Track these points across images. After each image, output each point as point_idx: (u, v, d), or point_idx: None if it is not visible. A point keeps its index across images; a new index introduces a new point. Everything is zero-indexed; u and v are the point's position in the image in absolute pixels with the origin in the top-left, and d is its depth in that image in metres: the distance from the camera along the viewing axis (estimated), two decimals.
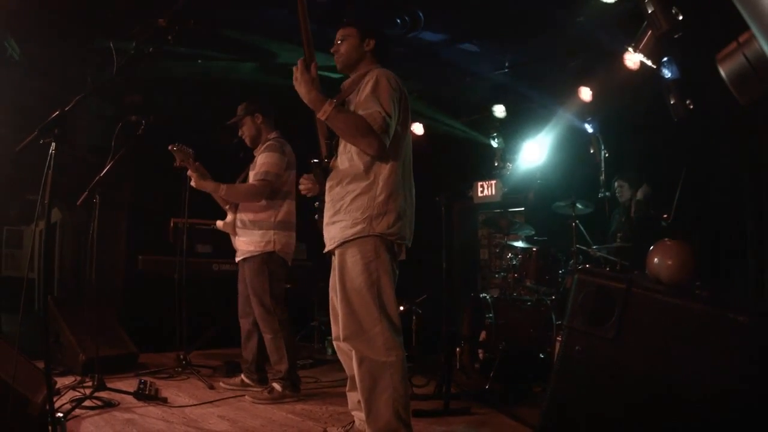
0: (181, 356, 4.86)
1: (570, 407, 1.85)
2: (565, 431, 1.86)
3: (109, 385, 4.01)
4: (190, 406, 3.88)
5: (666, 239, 2.17)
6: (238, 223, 4.32)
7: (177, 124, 4.13)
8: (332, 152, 2.96)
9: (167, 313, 4.95)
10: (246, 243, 4.26)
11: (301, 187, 3.18)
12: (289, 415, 3.74)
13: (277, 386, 4.10)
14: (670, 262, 2.05)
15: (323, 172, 2.99)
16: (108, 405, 3.71)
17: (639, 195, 5.23)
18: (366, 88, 2.82)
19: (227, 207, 4.39)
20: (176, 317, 4.68)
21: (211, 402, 3.99)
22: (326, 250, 2.96)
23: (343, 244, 2.83)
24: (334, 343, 3.07)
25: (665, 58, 4.42)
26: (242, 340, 4.49)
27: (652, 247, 2.16)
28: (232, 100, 4.54)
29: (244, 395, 4.13)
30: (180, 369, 4.82)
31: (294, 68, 2.80)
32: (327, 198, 2.96)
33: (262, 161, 4.23)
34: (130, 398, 3.89)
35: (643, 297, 1.82)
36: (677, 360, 1.73)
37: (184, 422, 3.50)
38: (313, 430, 3.42)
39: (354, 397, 3.06)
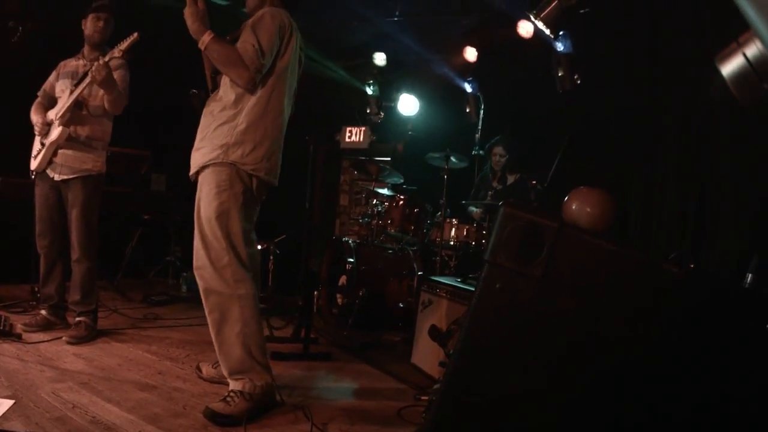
0: (36, 289, 4.32)
1: (487, 345, 1.75)
2: (482, 369, 1.75)
3: None
4: (45, 342, 3.55)
5: (582, 186, 2.11)
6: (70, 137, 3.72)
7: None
8: (216, 85, 2.93)
9: (23, 242, 4.29)
10: (80, 160, 3.74)
11: None
12: (146, 354, 3.52)
13: (89, 321, 3.74)
14: (589, 210, 1.99)
15: (201, 102, 2.98)
16: None
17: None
18: (249, 23, 2.83)
19: (61, 117, 3.68)
20: (32, 246, 4.04)
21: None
22: (190, 174, 2.89)
23: (201, 170, 2.80)
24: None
25: (561, 32, 4.48)
26: (44, 271, 3.90)
27: (569, 195, 2.10)
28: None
29: (62, 337, 3.62)
30: (35, 302, 4.34)
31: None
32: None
33: (118, 77, 3.70)
34: None
35: (576, 237, 1.73)
36: (605, 304, 1.69)
37: (39, 360, 3.17)
38: (171, 370, 3.25)
39: None
